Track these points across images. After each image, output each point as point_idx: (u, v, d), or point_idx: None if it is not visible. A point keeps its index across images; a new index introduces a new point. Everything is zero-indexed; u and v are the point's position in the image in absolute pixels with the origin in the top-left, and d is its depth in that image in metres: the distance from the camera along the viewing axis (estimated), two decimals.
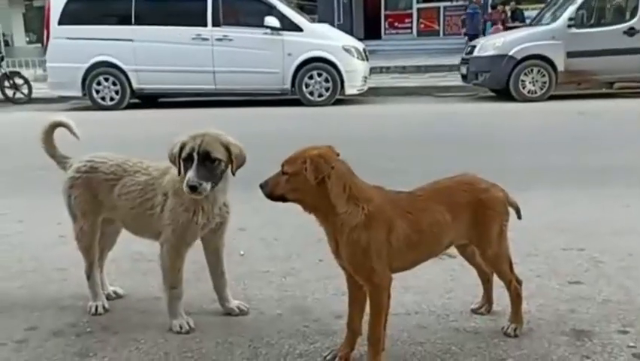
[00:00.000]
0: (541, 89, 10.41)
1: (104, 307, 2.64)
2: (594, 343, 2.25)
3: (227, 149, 2.29)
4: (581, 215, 3.89)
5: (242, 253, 3.33)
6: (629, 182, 4.69)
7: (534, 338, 2.29)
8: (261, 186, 2.03)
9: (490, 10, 19.17)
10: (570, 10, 10.30)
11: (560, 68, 10.26)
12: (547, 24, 10.75)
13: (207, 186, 2.22)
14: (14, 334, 2.45)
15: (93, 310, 2.62)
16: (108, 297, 2.76)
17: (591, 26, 10.37)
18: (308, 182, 1.94)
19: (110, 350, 2.30)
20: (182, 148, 2.27)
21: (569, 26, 10.24)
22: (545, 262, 3.08)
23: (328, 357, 2.18)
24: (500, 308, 2.50)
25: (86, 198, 2.56)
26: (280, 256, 3.30)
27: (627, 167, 5.22)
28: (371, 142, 6.85)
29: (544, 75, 10.34)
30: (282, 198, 2.02)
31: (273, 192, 2.02)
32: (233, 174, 2.35)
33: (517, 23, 16.03)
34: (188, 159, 2.24)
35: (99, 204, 2.57)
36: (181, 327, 2.42)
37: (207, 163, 2.24)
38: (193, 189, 2.20)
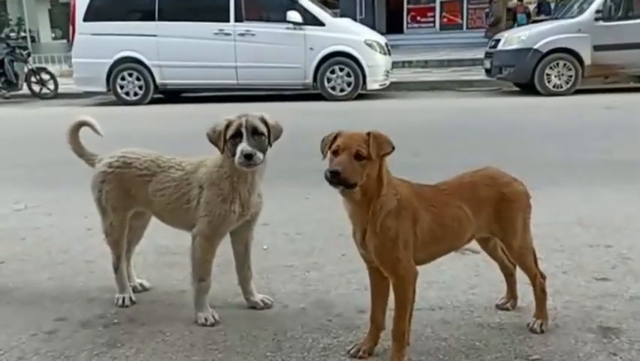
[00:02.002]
0: (567, 83, 10.24)
1: (130, 300, 2.69)
2: (621, 340, 2.22)
3: (266, 124, 2.37)
4: (609, 211, 3.82)
5: (265, 247, 3.35)
6: None
7: (560, 335, 2.27)
8: (334, 173, 1.86)
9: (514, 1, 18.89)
10: (597, 3, 10.09)
11: (587, 61, 10.07)
12: (574, 17, 10.56)
13: (261, 155, 2.30)
14: (44, 325, 2.51)
15: (120, 302, 2.67)
16: (134, 289, 2.80)
17: (619, 19, 10.13)
18: (375, 163, 1.94)
19: (137, 341, 2.34)
20: (227, 127, 2.33)
21: (596, 19, 10.04)
22: (571, 258, 3.04)
23: (352, 351, 2.19)
24: (525, 305, 2.48)
25: (117, 194, 2.58)
26: (303, 250, 3.31)
27: None
28: (394, 137, 6.76)
29: (570, 69, 10.16)
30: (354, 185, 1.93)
31: (351, 179, 1.89)
32: (270, 145, 2.40)
33: (542, 16, 15.75)
34: (237, 135, 2.31)
35: (131, 199, 2.60)
36: (206, 320, 2.45)
37: (256, 137, 2.31)
38: (249, 157, 2.26)
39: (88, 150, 2.77)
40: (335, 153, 1.94)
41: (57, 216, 4.10)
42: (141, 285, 2.86)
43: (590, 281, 2.76)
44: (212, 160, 2.44)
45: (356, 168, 1.90)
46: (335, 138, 1.99)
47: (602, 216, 3.70)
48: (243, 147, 2.27)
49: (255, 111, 2.42)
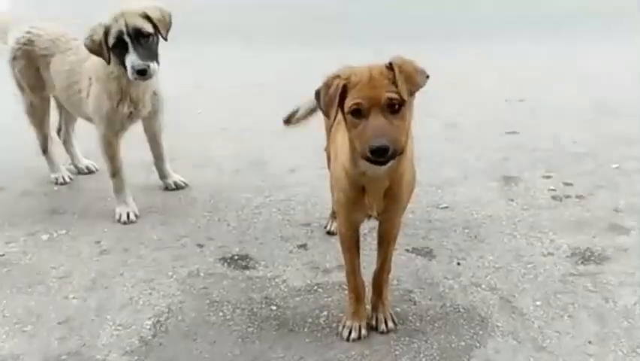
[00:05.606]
0: None
1: (69, 177, 2.67)
2: (519, 187, 2.50)
3: (149, 19, 2.08)
4: (532, 63, 3.99)
5: (199, 111, 3.40)
6: (586, 27, 4.78)
7: (468, 185, 2.53)
8: (382, 151, 1.26)
9: None
10: None
11: None
12: None
13: (155, 66, 2.07)
14: None
15: (60, 180, 2.63)
16: (80, 171, 2.75)
17: None
18: (410, 106, 1.35)
19: (80, 207, 2.44)
20: (106, 34, 2.04)
21: None
22: (486, 112, 3.26)
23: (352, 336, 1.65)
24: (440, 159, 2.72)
25: (28, 72, 2.42)
26: (237, 112, 3.37)
27: (585, 12, 5.25)
28: None
29: None
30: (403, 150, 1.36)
31: (401, 146, 1.32)
32: (165, 39, 2.16)
33: None
34: (119, 44, 2.03)
35: (41, 78, 2.43)
36: (121, 216, 2.34)
37: (142, 41, 2.05)
38: (142, 73, 2.03)
39: None
40: (356, 113, 1.31)
41: None
42: (87, 168, 2.77)
43: (501, 135, 3.01)
44: None
45: (398, 125, 1.30)
46: (344, 87, 1.33)
47: (525, 68, 3.87)
48: (133, 61, 2.00)
49: (130, 3, 2.09)
